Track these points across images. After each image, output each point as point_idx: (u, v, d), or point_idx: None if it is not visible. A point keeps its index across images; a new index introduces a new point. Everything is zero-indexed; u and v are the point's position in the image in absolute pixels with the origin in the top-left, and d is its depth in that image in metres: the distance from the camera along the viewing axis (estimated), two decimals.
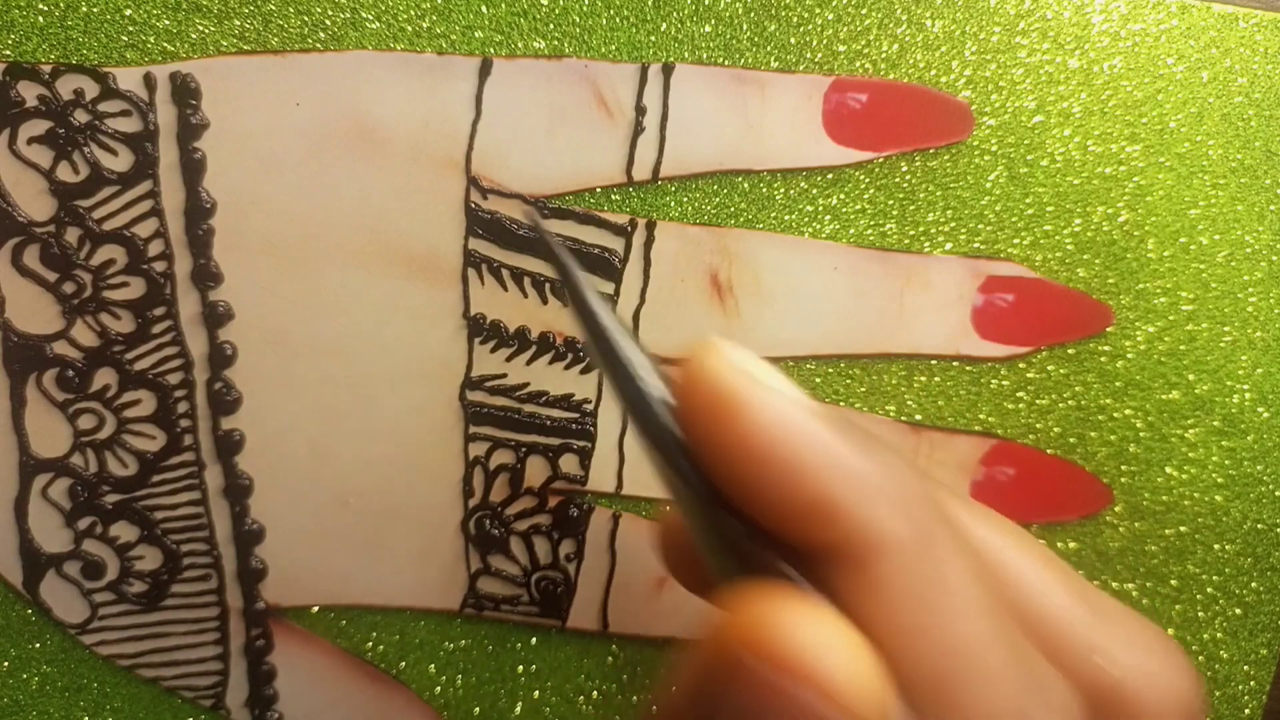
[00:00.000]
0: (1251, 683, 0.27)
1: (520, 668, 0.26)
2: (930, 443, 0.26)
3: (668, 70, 0.24)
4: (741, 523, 0.14)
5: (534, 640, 0.26)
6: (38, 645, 0.25)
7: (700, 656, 0.13)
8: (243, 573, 0.25)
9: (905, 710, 0.13)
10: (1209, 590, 0.26)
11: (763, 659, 0.12)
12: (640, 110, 0.24)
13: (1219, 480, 0.26)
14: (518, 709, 0.26)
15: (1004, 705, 0.14)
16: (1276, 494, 0.26)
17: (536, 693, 0.26)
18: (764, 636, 0.12)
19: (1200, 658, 0.27)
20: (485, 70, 0.23)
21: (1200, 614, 0.27)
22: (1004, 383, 0.26)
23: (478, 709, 0.26)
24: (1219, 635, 0.27)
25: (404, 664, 0.26)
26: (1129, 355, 0.26)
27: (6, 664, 0.25)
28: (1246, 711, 0.27)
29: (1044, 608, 0.16)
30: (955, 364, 0.25)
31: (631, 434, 0.25)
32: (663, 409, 0.15)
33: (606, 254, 0.24)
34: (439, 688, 0.26)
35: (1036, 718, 0.14)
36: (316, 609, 0.26)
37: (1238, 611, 0.27)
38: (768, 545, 0.14)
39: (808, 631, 0.12)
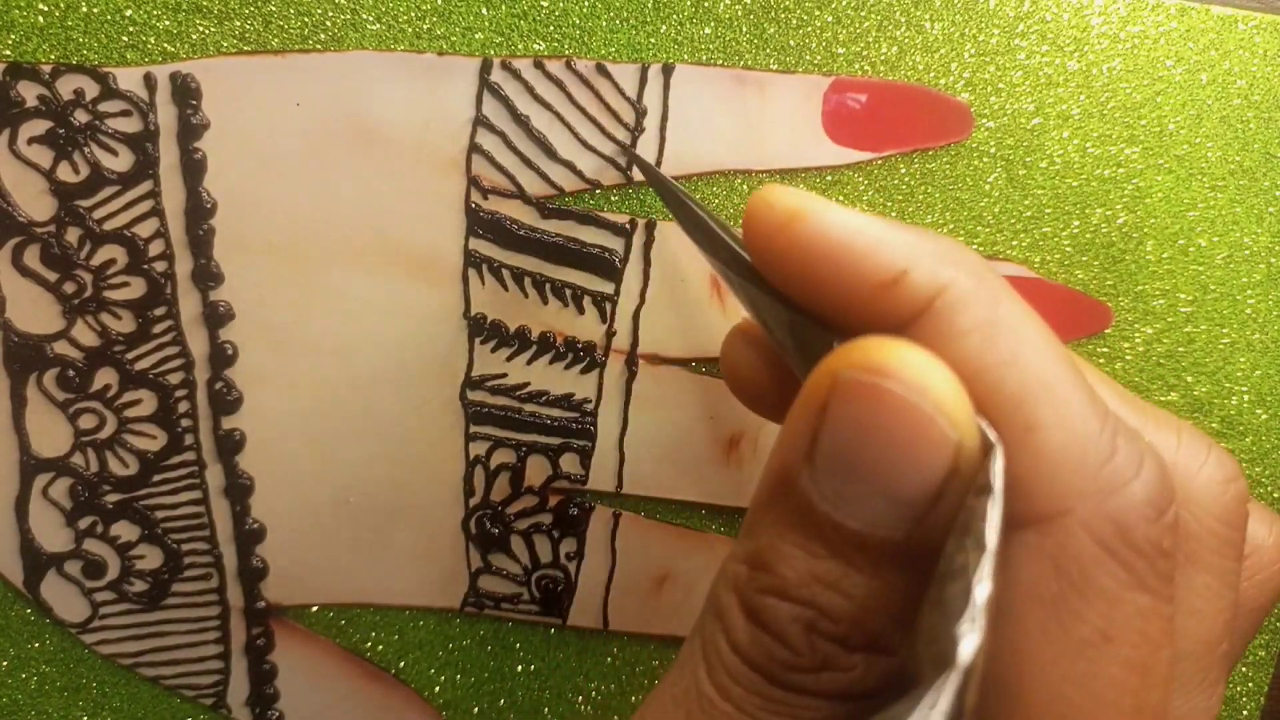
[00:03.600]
0: (1250, 684, 0.27)
1: (520, 667, 0.26)
2: None
3: (668, 71, 0.24)
4: (823, 323, 0.16)
5: (534, 639, 0.26)
6: (36, 645, 0.25)
7: (809, 389, 0.14)
8: (244, 572, 0.25)
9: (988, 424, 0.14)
10: None
11: (872, 371, 0.13)
12: (640, 111, 0.24)
13: None
14: (517, 709, 0.26)
15: (1084, 430, 0.14)
16: (1275, 496, 0.26)
17: (536, 692, 0.26)
18: (872, 357, 0.13)
19: None
20: (485, 71, 0.23)
21: None
22: None
23: (477, 709, 0.26)
24: None
25: (404, 663, 0.26)
26: (1127, 357, 0.26)
27: (5, 663, 0.25)
28: (1245, 713, 0.27)
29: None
30: None
31: (632, 433, 0.25)
32: (739, 244, 0.18)
33: (606, 254, 0.24)
34: (439, 687, 0.26)
35: (1120, 448, 0.14)
36: (316, 608, 0.26)
37: None
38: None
39: (909, 353, 0.13)
